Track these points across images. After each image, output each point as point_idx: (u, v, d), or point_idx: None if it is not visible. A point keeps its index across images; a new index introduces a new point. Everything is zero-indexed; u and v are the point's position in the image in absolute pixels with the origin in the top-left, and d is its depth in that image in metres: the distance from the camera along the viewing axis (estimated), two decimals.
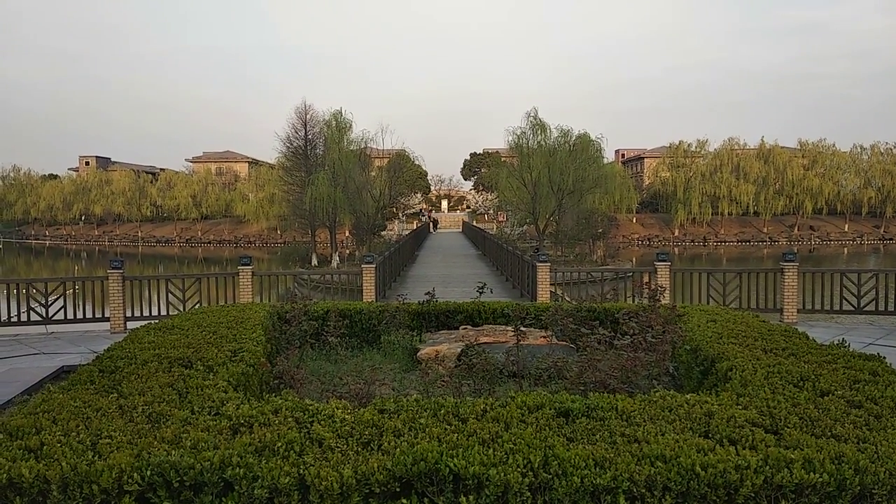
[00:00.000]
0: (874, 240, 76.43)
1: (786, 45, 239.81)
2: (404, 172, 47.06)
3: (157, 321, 7.11)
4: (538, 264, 16.35)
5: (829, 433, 3.28)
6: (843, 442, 3.16)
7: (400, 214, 69.20)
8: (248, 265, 14.68)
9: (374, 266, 15.83)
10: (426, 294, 8.60)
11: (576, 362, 5.30)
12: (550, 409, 3.70)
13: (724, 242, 76.28)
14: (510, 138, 45.32)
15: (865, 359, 4.59)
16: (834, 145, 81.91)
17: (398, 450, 3.13)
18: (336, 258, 40.58)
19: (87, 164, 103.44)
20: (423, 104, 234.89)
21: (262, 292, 15.84)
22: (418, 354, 6.97)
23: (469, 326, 8.03)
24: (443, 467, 2.98)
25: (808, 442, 3.13)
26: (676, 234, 79.29)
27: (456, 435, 3.34)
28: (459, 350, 6.63)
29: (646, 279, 16.15)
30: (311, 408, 3.76)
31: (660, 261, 15.70)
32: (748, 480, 2.86)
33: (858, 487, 2.86)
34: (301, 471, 2.99)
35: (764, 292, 15.24)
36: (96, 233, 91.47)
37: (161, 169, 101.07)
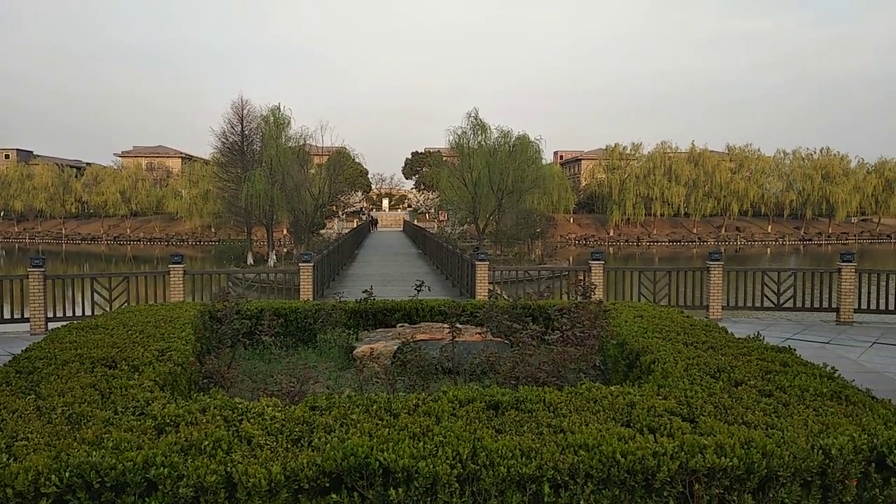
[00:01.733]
0: (795, 240, 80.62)
1: (717, 54, 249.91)
2: (344, 170, 46.60)
3: (80, 321, 6.84)
4: (477, 263, 16.54)
5: (741, 420, 3.47)
6: (753, 428, 3.36)
7: (340, 213, 68.49)
8: (180, 263, 14.26)
9: (311, 264, 15.65)
10: (364, 292, 8.58)
11: (509, 357, 5.41)
12: (481, 402, 3.77)
13: (657, 242, 78.94)
14: (451, 138, 45.63)
15: (777, 351, 4.87)
16: (759, 150, 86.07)
17: (328, 445, 3.14)
18: (273, 257, 39.85)
19: (6, 156, 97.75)
20: (364, 102, 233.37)
21: (194, 292, 15.40)
22: (354, 352, 6.96)
23: (406, 324, 8.06)
24: (373, 461, 3.00)
25: (721, 429, 3.31)
26: (611, 234, 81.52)
27: (387, 430, 3.37)
28: (396, 347, 6.65)
29: (580, 277, 16.56)
30: (240, 406, 3.71)
31: (594, 260, 16.13)
32: (664, 466, 3.00)
33: (765, 470, 3.05)
34: (228, 468, 2.96)
35: (692, 290, 15.86)
36: (16, 229, 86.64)
37: (87, 163, 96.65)
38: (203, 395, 3.97)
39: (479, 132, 44.79)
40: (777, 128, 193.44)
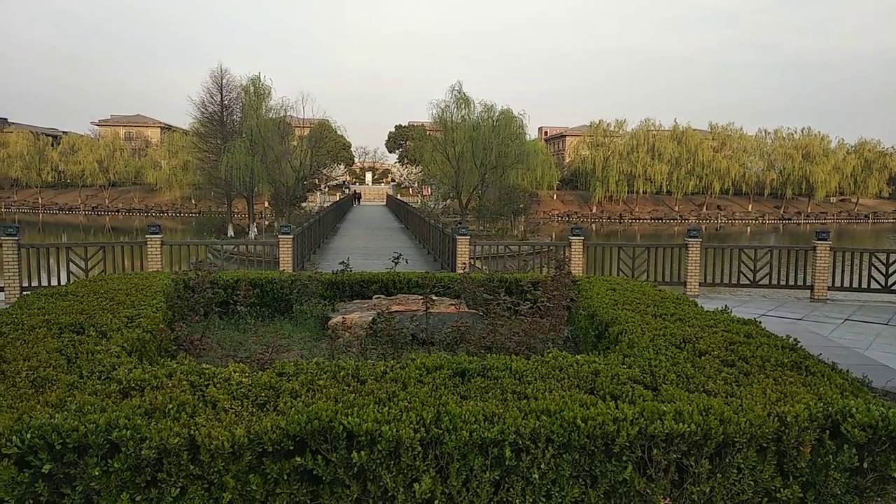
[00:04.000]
0: (775, 219, 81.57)
1: (701, 33, 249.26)
2: (327, 143, 46.19)
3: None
4: (458, 237, 16.56)
5: (702, 389, 3.54)
6: (713, 396, 3.42)
7: (322, 186, 67.97)
8: (157, 234, 14.11)
9: (291, 237, 15.57)
10: (340, 264, 8.57)
11: (481, 328, 5.46)
12: (448, 369, 3.81)
13: (639, 220, 79.48)
14: (434, 111, 45.32)
15: (743, 323, 4.96)
16: (741, 129, 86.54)
17: (293, 410, 3.16)
18: (254, 229, 39.58)
19: None
20: (349, 74, 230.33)
21: (172, 263, 15.27)
22: (329, 323, 6.97)
23: (383, 296, 8.07)
24: (337, 425, 3.02)
25: (682, 396, 3.37)
26: (594, 211, 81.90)
27: (353, 395, 3.40)
28: (371, 318, 6.67)
29: (561, 252, 16.65)
30: (207, 371, 3.71)
31: (574, 236, 16.22)
32: (624, 431, 3.06)
33: (722, 436, 3.12)
34: (192, 431, 2.97)
35: (670, 266, 16.03)
36: None
37: (63, 132, 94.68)
38: (171, 361, 3.96)
39: (463, 106, 44.51)
40: (759, 107, 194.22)
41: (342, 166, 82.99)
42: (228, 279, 7.96)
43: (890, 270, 14.55)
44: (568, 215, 79.00)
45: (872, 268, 14.80)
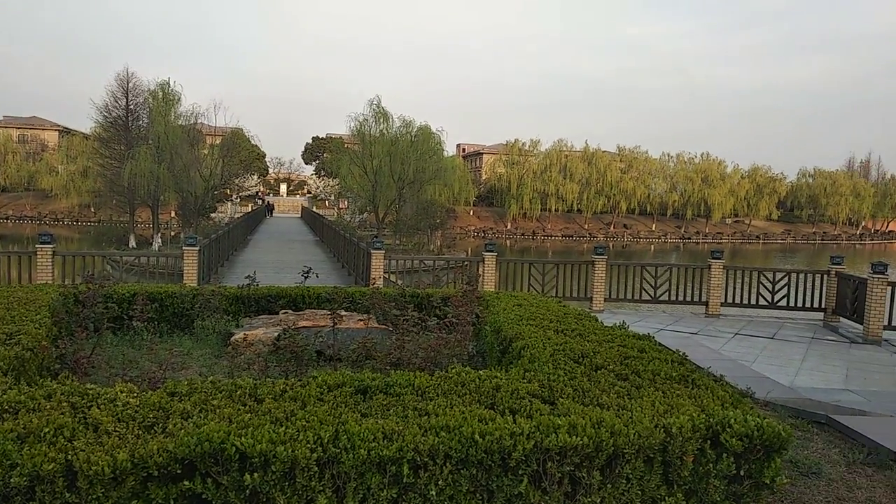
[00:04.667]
0: (676, 238, 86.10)
1: (614, 59, 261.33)
2: (240, 152, 44.87)
3: None
4: (373, 251, 16.46)
5: (596, 402, 3.67)
6: (606, 409, 3.55)
7: (234, 196, 65.90)
8: (49, 243, 13.22)
9: (197, 249, 14.98)
10: (247, 278, 8.32)
11: (388, 344, 5.44)
12: (350, 387, 3.77)
13: (551, 237, 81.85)
14: (353, 125, 45.11)
15: (637, 338, 5.19)
16: (647, 152, 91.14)
17: (183, 431, 3.03)
18: (158, 240, 37.83)
19: None
20: (263, 85, 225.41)
21: (65, 275, 14.33)
22: (232, 339, 6.74)
23: (290, 311, 7.90)
24: (229, 447, 2.92)
25: (577, 410, 3.48)
26: (509, 227, 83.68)
27: (249, 415, 3.30)
28: (276, 334, 6.50)
29: (476, 269, 16.87)
30: (91, 392, 3.50)
31: (488, 251, 16.49)
32: (520, 445, 3.12)
33: (612, 448, 3.24)
34: (69, 456, 2.78)
35: (578, 282, 16.56)
36: None
37: None
38: (51, 381, 3.71)
39: (382, 120, 44.50)
40: (662, 130, 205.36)
41: (256, 177, 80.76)
42: (124, 293, 7.56)
43: (776, 288, 15.64)
44: (484, 231, 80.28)
45: (761, 285, 15.88)
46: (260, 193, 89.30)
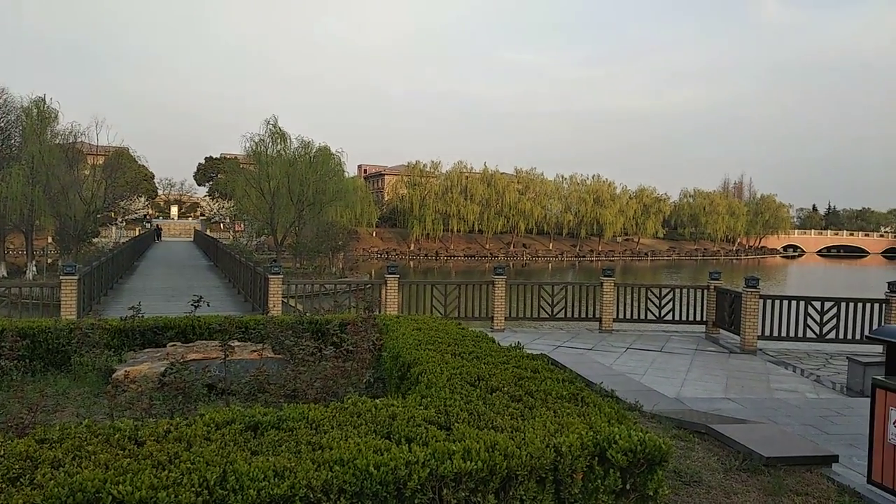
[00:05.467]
0: (572, 257, 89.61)
1: (511, 85, 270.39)
2: (125, 173, 42.38)
3: None
4: (270, 276, 16.00)
5: (490, 425, 3.73)
6: (500, 432, 3.62)
7: (119, 220, 62.13)
8: None
9: (76, 277, 13.98)
10: (131, 309, 7.84)
11: (283, 375, 5.28)
12: (240, 424, 3.63)
13: (454, 257, 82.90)
14: (248, 145, 43.90)
15: (532, 358, 5.33)
16: (542, 174, 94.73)
17: (52, 482, 2.80)
18: (32, 268, 34.95)
19: None
20: (153, 102, 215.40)
21: None
22: (114, 376, 6.31)
23: (179, 343, 7.51)
24: (105, 496, 2.73)
25: (472, 434, 3.52)
26: (412, 248, 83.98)
27: (128, 460, 3.10)
28: (163, 369, 6.15)
29: (378, 292, 16.78)
30: None
31: (390, 274, 16.45)
32: (415, 474, 3.12)
33: (506, 470, 3.30)
34: None
35: (479, 302, 16.84)
36: None
37: None
38: None
39: (279, 141, 43.60)
40: (557, 153, 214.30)
41: (144, 199, 76.56)
42: None
43: (663, 303, 16.59)
44: (387, 252, 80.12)
45: (649, 301, 16.79)
46: (148, 216, 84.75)
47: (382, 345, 6.30)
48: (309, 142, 45.30)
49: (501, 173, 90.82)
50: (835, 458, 5.32)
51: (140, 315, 7.81)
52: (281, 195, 41.60)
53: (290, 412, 3.79)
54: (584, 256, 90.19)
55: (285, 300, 17.15)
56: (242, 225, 60.10)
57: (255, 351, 6.49)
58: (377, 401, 4.06)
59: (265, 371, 5.35)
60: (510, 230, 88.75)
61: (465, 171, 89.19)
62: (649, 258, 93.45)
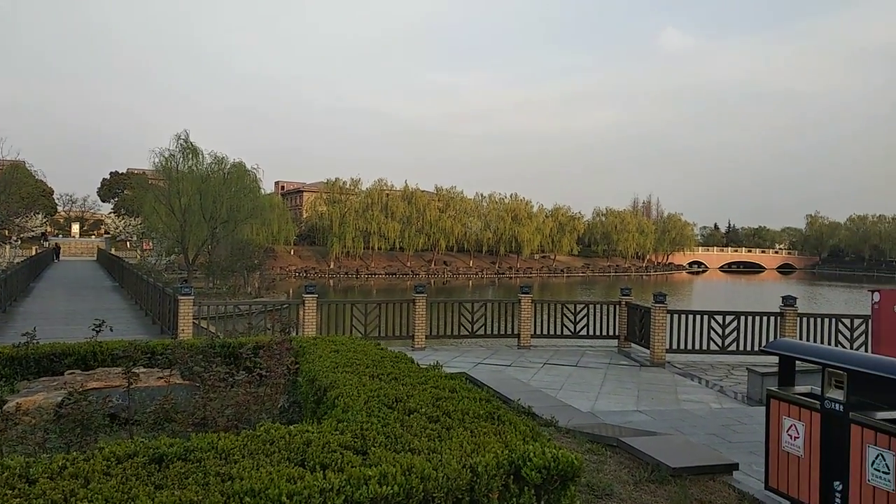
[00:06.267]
0: (492, 274, 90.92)
1: (430, 105, 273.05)
2: (20, 188, 39.70)
3: None
4: (181, 297, 15.34)
5: (408, 448, 3.70)
6: (417, 454, 3.60)
7: (14, 238, 58.00)
8: None
9: None
10: (24, 335, 7.30)
11: (193, 403, 5.06)
12: (143, 456, 3.44)
13: (375, 275, 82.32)
14: (157, 160, 42.16)
15: (450, 378, 5.35)
16: (462, 192, 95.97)
17: None
18: None
19: None
20: (51, 113, 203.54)
21: None
22: (4, 408, 5.84)
23: (78, 371, 7.06)
24: None
25: (388, 458, 3.48)
26: (332, 266, 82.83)
27: (18, 500, 2.87)
28: (61, 399, 5.76)
29: (296, 312, 16.41)
30: None
31: (308, 293, 16.15)
32: (330, 501, 3.05)
33: (423, 493, 3.28)
34: None
35: (401, 321, 16.79)
36: None
37: None
38: None
39: (191, 156, 42.14)
40: (474, 171, 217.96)
41: (41, 215, 71.84)
42: None
43: (577, 318, 17.09)
44: (306, 271, 78.63)
45: (564, 317, 17.26)
46: (47, 234, 79.55)
47: (298, 368, 6.15)
48: (223, 157, 44.12)
49: (422, 191, 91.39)
50: (735, 466, 5.62)
51: (35, 341, 7.28)
52: (193, 212, 40.14)
53: (198, 442, 3.63)
54: (503, 273, 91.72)
55: (197, 322, 16.47)
56: (151, 243, 57.39)
57: (161, 377, 6.18)
58: (291, 427, 3.95)
59: (172, 399, 5.10)
60: (431, 248, 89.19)
61: (385, 188, 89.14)
62: (565, 275, 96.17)
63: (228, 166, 43.80)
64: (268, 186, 70.93)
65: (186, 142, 42.20)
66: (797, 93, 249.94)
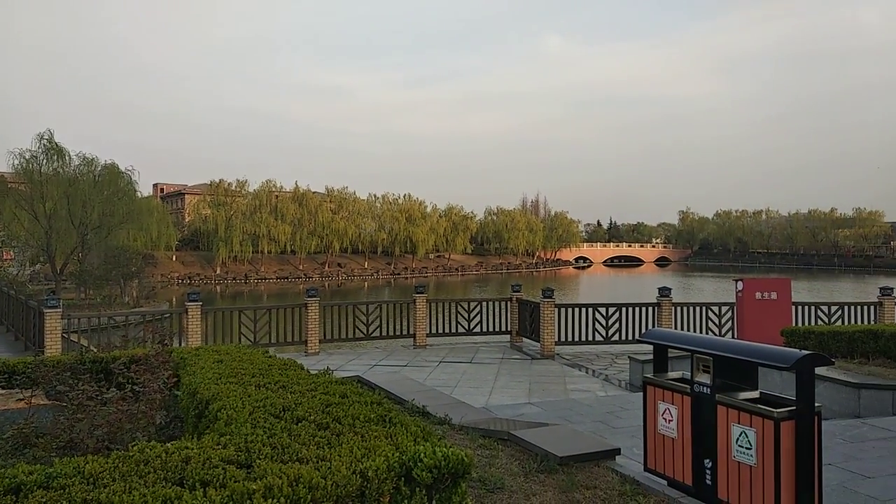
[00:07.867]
0: (387, 275, 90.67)
1: (324, 105, 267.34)
2: None
3: None
4: (46, 310, 14.15)
5: (295, 458, 3.59)
6: (305, 463, 3.49)
7: None
8: None
9: None
10: None
11: (58, 425, 4.64)
12: None
13: (265, 279, 79.72)
14: (17, 162, 38.64)
15: (341, 383, 5.25)
16: (355, 193, 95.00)
17: None
18: None
19: None
20: None
21: None
22: None
23: None
24: None
25: (275, 469, 3.35)
26: (219, 271, 79.39)
27: None
28: None
29: (179, 321, 15.57)
30: None
31: (191, 301, 15.40)
32: None
33: (311, 503, 3.18)
34: None
35: (293, 326, 16.36)
36: None
37: None
38: None
39: (56, 157, 38.95)
40: (369, 172, 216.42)
41: None
42: None
43: (471, 316, 17.40)
44: (190, 277, 74.87)
45: (459, 315, 17.51)
46: None
47: (178, 381, 5.82)
48: (93, 159, 41.12)
49: (314, 192, 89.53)
50: (618, 451, 5.91)
51: None
52: (60, 218, 37.13)
53: (61, 468, 3.33)
54: (398, 274, 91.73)
55: (67, 336, 15.24)
56: (12, 252, 52.43)
57: (22, 399, 5.64)
58: (169, 444, 3.72)
59: (34, 422, 4.66)
60: (324, 250, 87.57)
61: (274, 189, 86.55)
62: (460, 273, 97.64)
63: (99, 168, 40.92)
64: (145, 189, 66.81)
65: (50, 142, 38.92)
66: (671, 97, 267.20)
